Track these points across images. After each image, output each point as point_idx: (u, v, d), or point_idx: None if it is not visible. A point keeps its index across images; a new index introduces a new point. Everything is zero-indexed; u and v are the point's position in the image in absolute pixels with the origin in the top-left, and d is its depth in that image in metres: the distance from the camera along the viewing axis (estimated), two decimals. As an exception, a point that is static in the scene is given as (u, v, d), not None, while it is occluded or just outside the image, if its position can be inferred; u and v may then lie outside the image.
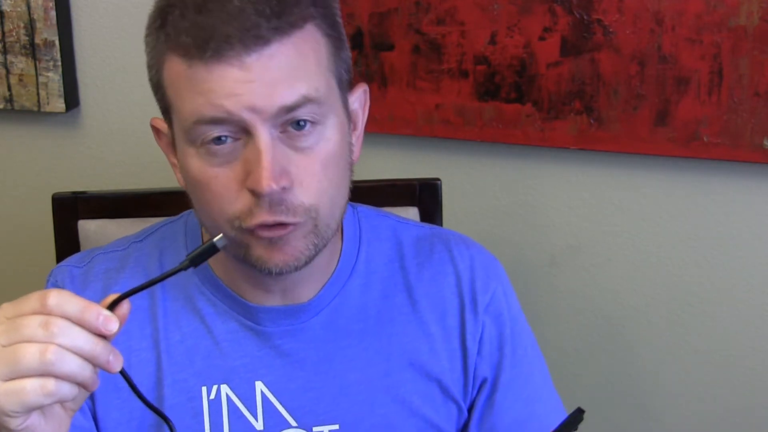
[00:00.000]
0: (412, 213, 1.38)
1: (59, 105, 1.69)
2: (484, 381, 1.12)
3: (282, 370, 1.06)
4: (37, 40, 1.67)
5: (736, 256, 1.54)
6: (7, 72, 1.70)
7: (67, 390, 0.80)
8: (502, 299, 1.13)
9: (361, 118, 1.05)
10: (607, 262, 1.59)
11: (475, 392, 1.12)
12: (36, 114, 1.74)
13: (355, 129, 1.04)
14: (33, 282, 1.80)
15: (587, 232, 1.59)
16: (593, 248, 1.59)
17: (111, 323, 0.81)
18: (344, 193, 1.00)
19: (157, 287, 1.06)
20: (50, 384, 0.78)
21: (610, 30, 1.46)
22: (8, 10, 1.67)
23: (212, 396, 1.05)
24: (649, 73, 1.46)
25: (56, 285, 1.09)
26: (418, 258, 1.13)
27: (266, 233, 0.95)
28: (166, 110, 0.99)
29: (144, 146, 1.72)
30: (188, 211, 1.12)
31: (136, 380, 1.04)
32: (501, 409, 1.11)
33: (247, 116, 0.91)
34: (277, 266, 0.97)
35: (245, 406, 1.05)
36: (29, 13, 1.66)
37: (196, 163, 0.95)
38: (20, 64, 1.69)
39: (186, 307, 1.07)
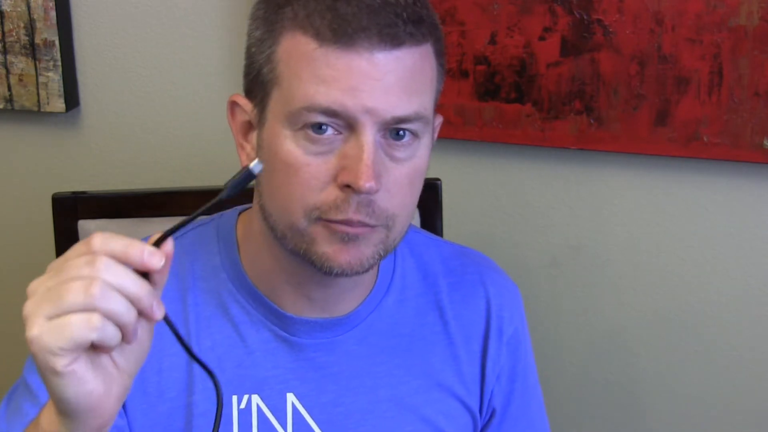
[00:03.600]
0: (412, 213, 1.38)
1: (59, 105, 1.69)
2: (494, 411, 1.13)
3: (314, 383, 1.05)
4: (37, 40, 1.67)
5: (736, 256, 1.54)
6: (7, 72, 1.70)
7: (112, 330, 0.75)
8: (521, 333, 1.14)
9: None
10: (607, 262, 1.59)
11: (485, 419, 1.14)
12: (36, 114, 1.74)
13: None
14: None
15: (587, 232, 1.59)
16: (593, 248, 1.59)
17: (155, 258, 0.77)
18: (414, 210, 1.01)
19: (188, 291, 1.05)
20: (95, 318, 0.74)
21: (610, 30, 1.46)
22: (8, 10, 1.67)
23: (242, 405, 1.04)
24: (649, 73, 1.46)
25: None
26: (449, 277, 1.13)
27: (346, 228, 0.94)
28: (264, 86, 0.97)
29: (144, 146, 1.72)
30: (218, 214, 1.10)
31: (167, 384, 1.03)
32: None
33: (361, 116, 0.91)
34: (341, 266, 0.96)
35: (275, 417, 1.04)
36: (29, 13, 1.66)
37: (290, 146, 0.94)
38: (20, 64, 1.69)
39: (218, 313, 1.05)
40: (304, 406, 1.05)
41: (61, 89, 1.69)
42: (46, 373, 0.76)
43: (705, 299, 1.57)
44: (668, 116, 1.47)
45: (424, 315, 1.10)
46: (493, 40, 1.51)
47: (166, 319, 0.81)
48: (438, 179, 1.41)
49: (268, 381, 1.04)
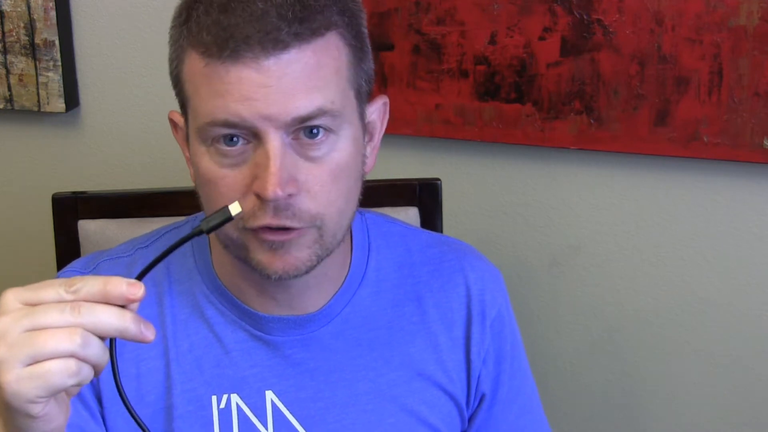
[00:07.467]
0: (412, 213, 1.38)
1: (59, 105, 1.69)
2: (483, 396, 1.13)
3: (292, 380, 1.05)
4: (37, 40, 1.67)
5: (736, 256, 1.54)
6: (7, 72, 1.70)
7: (87, 372, 0.77)
8: (505, 315, 1.14)
9: (379, 130, 1.05)
10: (607, 262, 1.59)
11: (475, 405, 1.13)
12: (36, 114, 1.74)
13: (371, 140, 1.03)
14: (33, 282, 1.80)
15: (587, 232, 1.59)
16: (593, 248, 1.59)
17: (135, 288, 0.77)
18: (353, 204, 1.00)
19: (164, 294, 1.06)
20: (73, 364, 0.75)
21: (610, 30, 1.46)
22: (8, 10, 1.67)
23: (222, 405, 1.04)
24: (649, 73, 1.46)
25: None
26: (427, 266, 1.12)
27: (269, 236, 0.94)
28: (183, 105, 0.99)
29: (144, 146, 1.72)
30: (194, 215, 1.11)
31: (146, 389, 1.03)
32: (497, 421, 1.13)
33: (260, 124, 0.91)
34: (276, 273, 0.96)
35: (255, 416, 1.05)
36: (29, 13, 1.66)
37: (206, 161, 0.95)
38: (20, 64, 1.69)
39: (194, 315, 1.06)
40: (283, 403, 1.05)
41: (61, 89, 1.69)
42: (19, 417, 0.77)
43: (705, 299, 1.57)
44: (668, 116, 1.47)
45: (402, 306, 1.10)
46: (493, 40, 1.51)
47: (115, 376, 0.81)
48: (438, 179, 1.41)
49: (247, 380, 1.05)
